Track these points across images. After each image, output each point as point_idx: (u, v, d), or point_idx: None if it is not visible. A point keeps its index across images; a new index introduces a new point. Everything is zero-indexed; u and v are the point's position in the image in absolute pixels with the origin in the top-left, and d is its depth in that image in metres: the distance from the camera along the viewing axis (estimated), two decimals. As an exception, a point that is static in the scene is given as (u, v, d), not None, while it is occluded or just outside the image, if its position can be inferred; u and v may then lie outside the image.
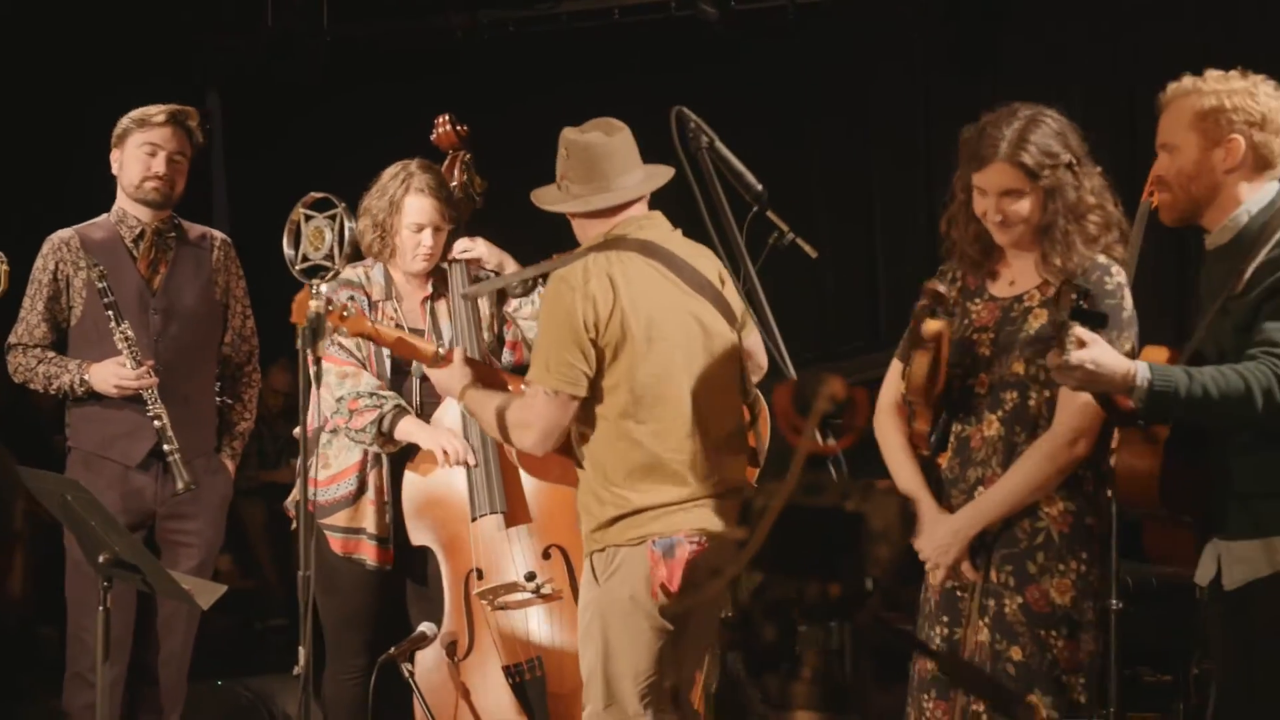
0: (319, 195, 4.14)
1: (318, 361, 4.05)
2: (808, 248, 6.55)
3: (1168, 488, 3.63)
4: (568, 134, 4.05)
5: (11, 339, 5.08)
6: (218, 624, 7.93)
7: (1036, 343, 3.81)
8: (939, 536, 3.86)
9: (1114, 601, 3.99)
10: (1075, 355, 3.38)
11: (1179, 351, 3.65)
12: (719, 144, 3.59)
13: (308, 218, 4.11)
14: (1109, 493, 3.82)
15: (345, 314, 4.28)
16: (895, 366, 3.99)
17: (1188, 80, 3.65)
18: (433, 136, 5.14)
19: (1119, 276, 3.81)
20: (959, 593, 3.89)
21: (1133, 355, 3.70)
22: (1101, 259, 3.81)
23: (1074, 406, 3.75)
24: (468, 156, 5.10)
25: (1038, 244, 3.84)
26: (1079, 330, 3.39)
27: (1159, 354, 3.70)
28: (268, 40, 8.39)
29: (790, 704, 1.84)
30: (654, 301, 3.98)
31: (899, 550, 1.81)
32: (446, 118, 5.12)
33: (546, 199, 4.09)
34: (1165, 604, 6.22)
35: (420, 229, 4.87)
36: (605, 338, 3.94)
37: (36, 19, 7.35)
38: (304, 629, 4.01)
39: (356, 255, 4.91)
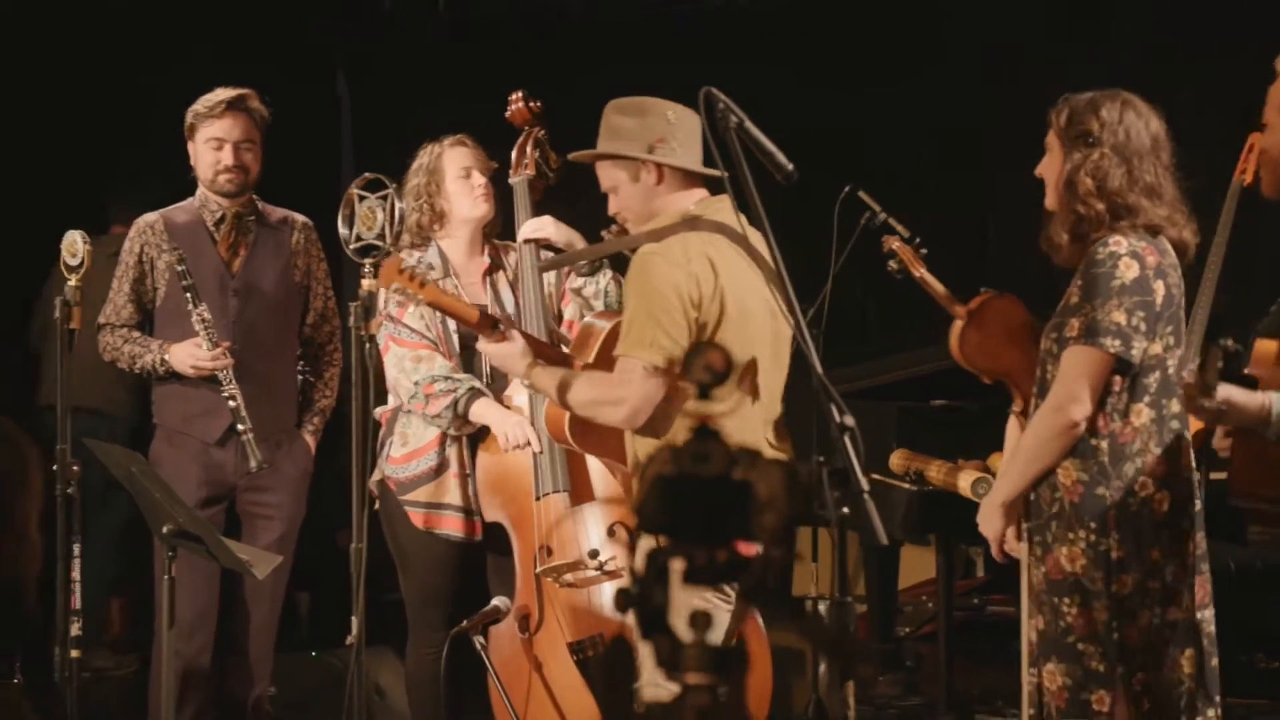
0: (371, 176, 4.23)
1: (371, 339, 4.14)
2: (900, 227, 6.53)
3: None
4: (664, 103, 4.05)
5: (101, 319, 5.25)
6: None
7: (1056, 316, 3.85)
8: (983, 510, 3.96)
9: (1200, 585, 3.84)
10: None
11: None
12: (749, 124, 3.57)
13: (361, 198, 4.20)
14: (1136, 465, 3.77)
15: (424, 282, 4.28)
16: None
17: None
18: (507, 113, 5.18)
19: (1114, 246, 3.74)
20: None
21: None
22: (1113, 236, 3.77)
23: (1065, 376, 3.76)
24: (541, 133, 5.09)
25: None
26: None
27: (1269, 346, 3.66)
28: (384, 23, 8.52)
29: (681, 666, 1.89)
30: (742, 284, 3.98)
31: (784, 518, 1.85)
32: (520, 94, 5.12)
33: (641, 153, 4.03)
34: (1274, 589, 6.09)
35: (469, 172, 4.96)
36: (705, 316, 3.92)
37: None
38: (357, 600, 4.10)
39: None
